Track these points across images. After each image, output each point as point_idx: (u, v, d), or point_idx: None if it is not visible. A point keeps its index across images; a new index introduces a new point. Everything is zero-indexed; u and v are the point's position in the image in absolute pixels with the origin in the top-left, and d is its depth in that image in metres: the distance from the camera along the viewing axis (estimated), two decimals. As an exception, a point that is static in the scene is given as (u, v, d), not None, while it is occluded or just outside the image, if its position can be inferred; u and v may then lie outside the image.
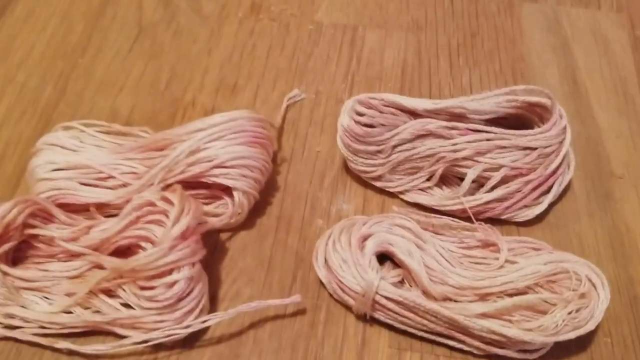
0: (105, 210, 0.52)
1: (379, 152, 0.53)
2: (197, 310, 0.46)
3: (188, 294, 0.46)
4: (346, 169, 0.57)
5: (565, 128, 0.52)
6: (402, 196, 0.55)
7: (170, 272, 0.45)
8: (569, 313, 0.44)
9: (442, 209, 0.54)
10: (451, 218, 0.52)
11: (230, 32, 0.68)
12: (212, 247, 0.52)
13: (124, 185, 0.52)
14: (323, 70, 0.65)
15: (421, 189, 0.55)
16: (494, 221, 0.54)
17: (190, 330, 0.46)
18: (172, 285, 0.45)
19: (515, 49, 0.67)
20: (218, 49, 0.67)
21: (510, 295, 0.46)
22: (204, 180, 0.51)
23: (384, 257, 0.50)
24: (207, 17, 0.69)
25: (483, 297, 0.47)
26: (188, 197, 0.48)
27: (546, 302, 0.45)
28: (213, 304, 0.49)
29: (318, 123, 0.61)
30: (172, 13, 0.70)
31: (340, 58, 0.66)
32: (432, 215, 0.52)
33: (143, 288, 0.46)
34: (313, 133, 0.60)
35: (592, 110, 0.62)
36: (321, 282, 0.50)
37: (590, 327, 0.44)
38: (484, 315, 0.45)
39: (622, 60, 0.67)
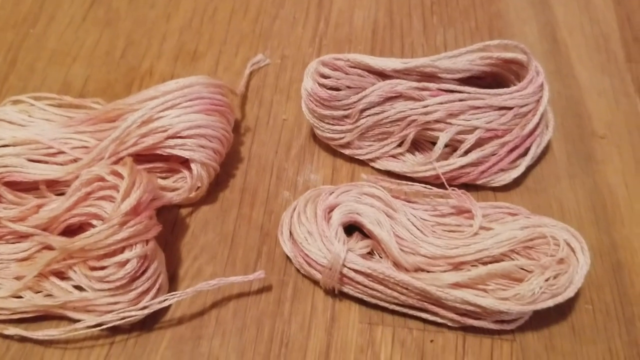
0: (57, 187, 0.49)
1: (346, 117, 0.50)
2: (154, 290, 0.44)
3: (142, 274, 0.43)
4: (314, 137, 0.54)
5: (542, 85, 0.49)
6: (372, 164, 0.52)
7: (122, 250, 0.42)
8: (547, 280, 0.41)
9: (415, 175, 0.51)
10: (424, 185, 0.49)
11: (190, -5, 0.65)
12: (172, 224, 0.49)
13: (75, 160, 0.49)
14: (289, 34, 0.62)
15: (392, 156, 0.52)
16: (470, 187, 0.51)
17: (147, 311, 0.43)
18: (124, 264, 0.42)
19: (492, 5, 0.64)
20: (177, 14, 0.63)
21: (486, 263, 0.44)
22: (159, 152, 0.48)
23: (353, 229, 0.47)
24: (166, -19, 0.66)
25: (457, 267, 0.44)
26: (140, 170, 0.45)
27: (523, 269, 0.43)
28: (173, 284, 0.47)
29: (284, 90, 0.58)
30: (129, -23, 0.66)
31: (307, 20, 0.63)
32: (403, 182, 0.49)
33: (93, 268, 0.43)
34: (279, 100, 0.57)
35: (572, 69, 0.59)
36: (287, 257, 0.47)
37: (569, 294, 0.42)
38: (457, 285, 0.43)
39: (604, 15, 0.64)
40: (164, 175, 0.50)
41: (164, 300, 0.43)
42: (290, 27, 0.62)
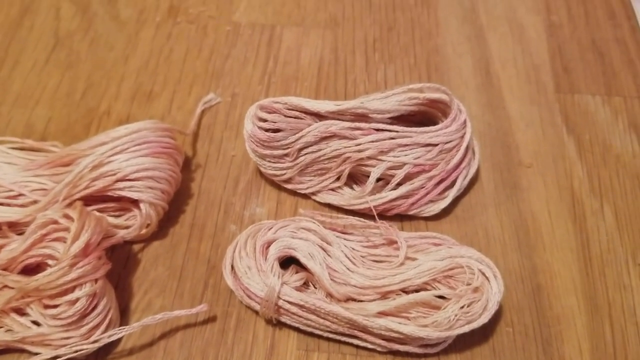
0: (17, 228, 0.53)
1: (286, 155, 0.54)
2: (104, 325, 0.47)
3: (92, 310, 0.46)
4: (260, 172, 0.58)
5: (465, 122, 0.53)
6: (314, 197, 0.56)
7: (72, 289, 0.46)
8: (462, 307, 0.45)
9: (352, 208, 0.55)
10: (357, 218, 0.53)
11: (147, 38, 0.68)
12: (124, 260, 0.53)
13: (34, 202, 0.52)
14: (240, 72, 0.65)
15: (332, 189, 0.56)
16: (404, 217, 0.55)
17: (97, 345, 0.47)
18: (74, 302, 0.45)
19: (431, 41, 0.68)
20: (134, 56, 0.67)
21: (410, 292, 0.48)
22: (110, 193, 0.51)
23: (293, 261, 0.51)
24: (125, 23, 0.69)
25: (384, 295, 0.48)
26: (89, 213, 0.48)
27: (442, 297, 0.47)
28: (125, 316, 0.50)
29: (234, 127, 0.61)
30: (90, 21, 0.70)
31: (257, 59, 0.67)
32: (338, 215, 0.53)
33: (47, 306, 0.46)
34: (228, 137, 0.61)
35: (503, 100, 0.63)
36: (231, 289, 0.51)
37: (483, 320, 0.46)
38: (383, 314, 0.46)
39: (537, 47, 0.68)
40: (116, 214, 0.53)
41: (113, 335, 0.47)
42: (241, 66, 0.66)
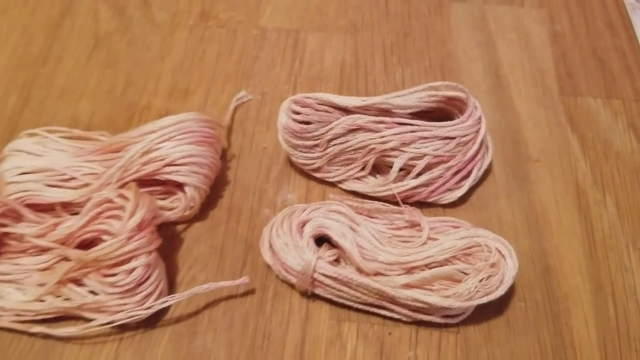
0: (70, 208, 0.57)
1: (316, 146, 0.59)
2: (156, 293, 0.52)
3: (146, 279, 0.51)
4: (290, 162, 0.63)
5: (480, 118, 0.59)
6: (340, 185, 0.61)
7: (129, 260, 0.50)
8: (481, 280, 0.50)
9: (376, 195, 0.60)
10: (382, 203, 0.58)
11: (181, 40, 0.73)
12: (169, 238, 0.58)
13: (86, 185, 0.57)
14: (268, 73, 0.71)
15: (357, 178, 0.61)
16: (423, 204, 0.60)
17: (150, 311, 0.51)
18: (131, 271, 0.50)
19: (444, 47, 0.73)
20: (170, 56, 0.72)
21: (432, 268, 0.53)
22: (157, 177, 0.56)
23: (323, 240, 0.56)
24: (160, 26, 0.75)
25: (409, 271, 0.53)
26: (142, 193, 0.53)
27: (462, 272, 0.52)
28: (172, 289, 0.55)
29: (264, 121, 0.66)
30: (126, 23, 0.75)
31: (283, 61, 0.72)
32: (365, 200, 0.58)
33: (106, 275, 0.51)
34: (259, 131, 0.66)
35: (512, 102, 0.68)
36: (268, 265, 0.55)
37: (500, 292, 0.51)
38: (408, 286, 0.51)
39: (542, 54, 0.73)
40: (162, 197, 0.58)
41: (165, 301, 0.52)
42: (269, 67, 0.71)
